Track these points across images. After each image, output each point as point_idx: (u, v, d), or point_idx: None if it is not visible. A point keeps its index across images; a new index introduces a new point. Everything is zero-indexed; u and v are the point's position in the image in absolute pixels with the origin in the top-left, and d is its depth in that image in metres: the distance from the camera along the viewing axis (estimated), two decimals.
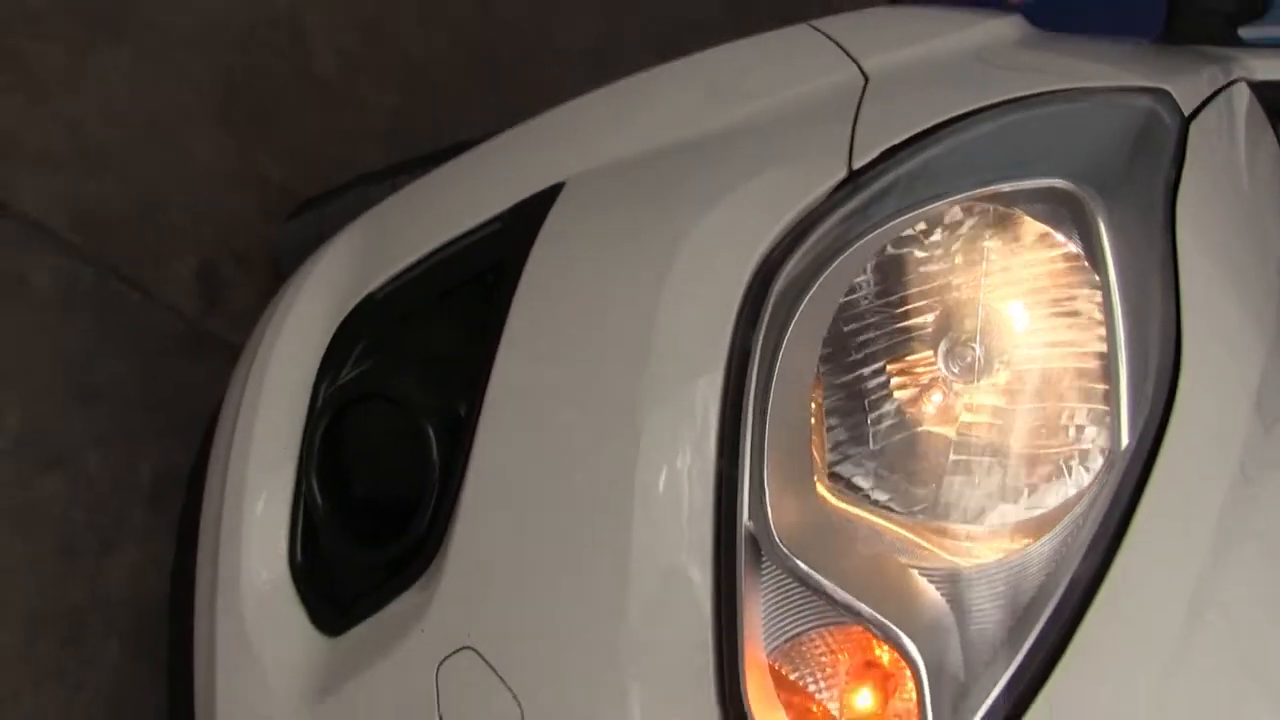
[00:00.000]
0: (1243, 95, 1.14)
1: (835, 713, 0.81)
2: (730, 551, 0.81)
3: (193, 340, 1.44)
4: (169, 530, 1.23)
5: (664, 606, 0.82)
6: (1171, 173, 0.95)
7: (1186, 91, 1.03)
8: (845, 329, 0.92)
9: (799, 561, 0.80)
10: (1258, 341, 0.92)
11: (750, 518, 0.82)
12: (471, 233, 1.03)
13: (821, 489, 0.88)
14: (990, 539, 0.85)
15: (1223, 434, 0.85)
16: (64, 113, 1.37)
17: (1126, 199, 0.91)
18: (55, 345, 1.30)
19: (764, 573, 0.82)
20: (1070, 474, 0.86)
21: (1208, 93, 1.07)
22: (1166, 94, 1.01)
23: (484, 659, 0.84)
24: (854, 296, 0.92)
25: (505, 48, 2.09)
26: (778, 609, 0.82)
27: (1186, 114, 1.01)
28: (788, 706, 0.81)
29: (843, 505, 0.88)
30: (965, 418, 0.90)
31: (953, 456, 0.90)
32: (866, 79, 1.03)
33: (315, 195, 1.34)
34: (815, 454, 0.89)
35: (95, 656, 1.29)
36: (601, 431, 0.86)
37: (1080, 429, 0.87)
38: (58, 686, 1.25)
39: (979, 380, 0.90)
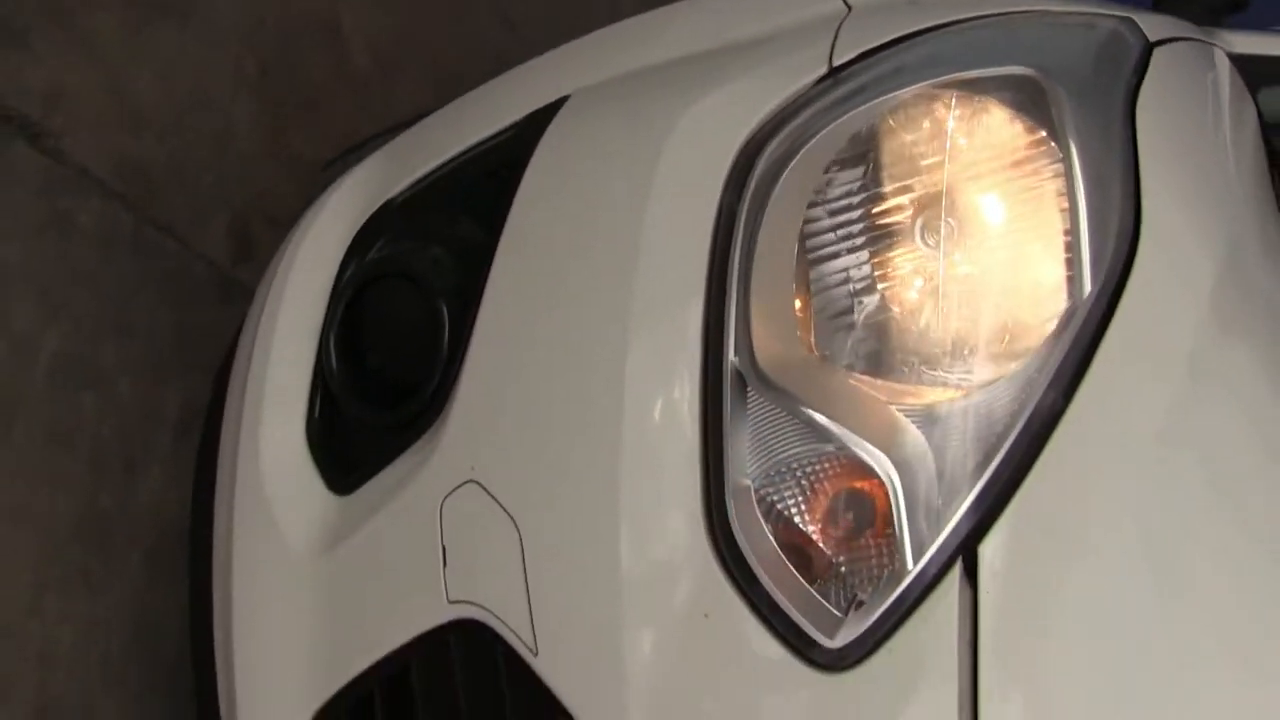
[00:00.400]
0: (1223, 58, 1.21)
1: (816, 537, 0.86)
2: (716, 384, 0.87)
3: (223, 287, 1.52)
4: (192, 459, 1.30)
5: (654, 437, 0.87)
6: (1133, 80, 1.03)
7: (1154, 26, 1.11)
8: (828, 219, 1.00)
9: (782, 387, 0.86)
10: (1213, 237, 0.98)
11: (735, 354, 0.88)
12: (485, 141, 1.12)
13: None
14: (963, 388, 0.90)
15: (1181, 291, 0.91)
16: (115, 78, 1.48)
17: (1089, 91, 0.98)
18: (95, 281, 1.38)
19: (750, 406, 0.88)
20: (1040, 330, 0.91)
21: (1177, 34, 1.15)
22: (1131, 20, 1.09)
23: (486, 490, 0.90)
24: (835, 188, 0.99)
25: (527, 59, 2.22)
26: (763, 438, 0.87)
27: (1151, 41, 1.09)
28: (772, 529, 0.86)
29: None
30: (940, 291, 0.96)
31: (931, 330, 0.96)
32: (849, 9, 1.12)
33: (350, 146, 1.44)
34: (801, 334, 0.96)
35: (119, 567, 1.35)
36: (598, 287, 0.93)
37: (1048, 291, 0.93)
38: (83, 589, 1.30)
39: (954, 254, 0.96)
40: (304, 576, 0.98)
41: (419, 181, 1.12)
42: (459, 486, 0.91)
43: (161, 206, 1.49)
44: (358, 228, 1.11)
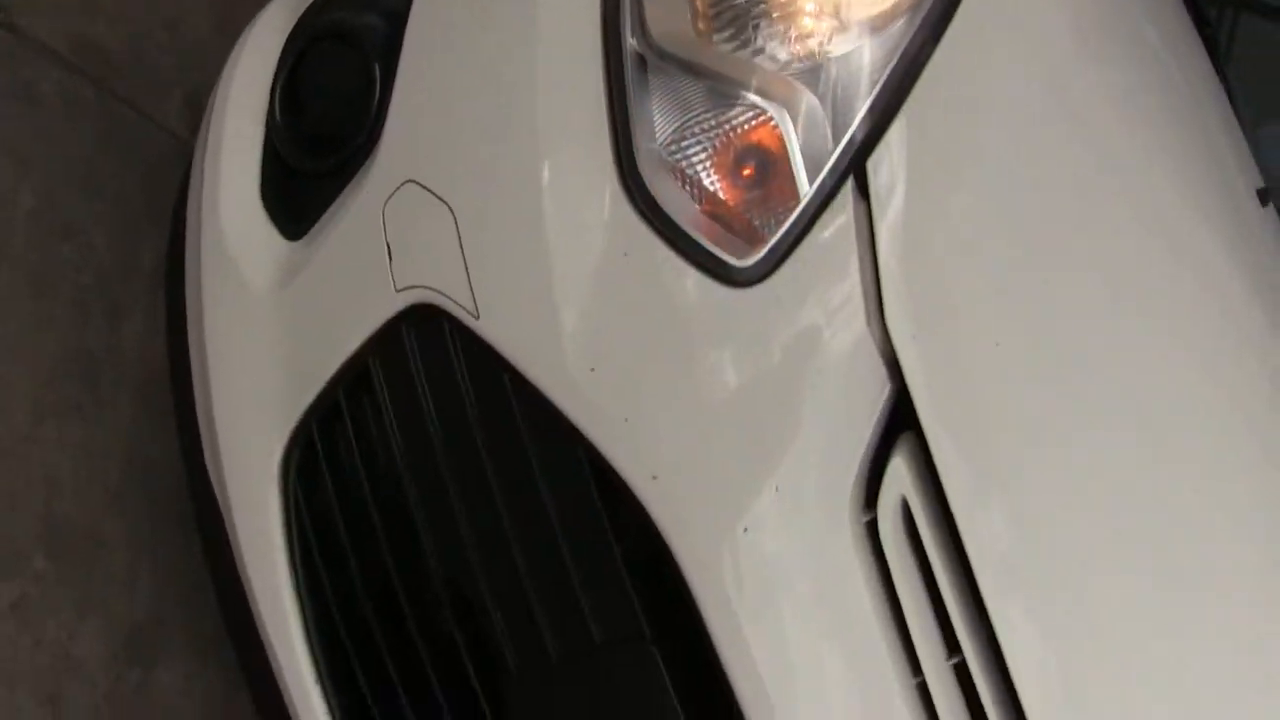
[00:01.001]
0: None
1: (722, 184, 0.95)
2: (618, 63, 0.96)
3: (183, 152, 1.60)
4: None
5: (567, 115, 0.96)
6: None
7: None
8: None
9: (678, 57, 0.95)
10: None
11: (633, 37, 0.97)
12: None
13: None
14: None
15: None
16: None
17: None
18: (62, 145, 1.47)
19: (651, 81, 0.96)
20: None
21: None
22: None
23: (422, 185, 0.98)
24: None
25: None
26: (666, 106, 0.96)
27: None
28: (681, 180, 0.94)
29: None
30: None
31: (812, 10, 1.04)
32: None
33: None
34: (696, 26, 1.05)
35: (109, 403, 1.42)
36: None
37: None
38: (77, 420, 1.38)
39: None
40: (268, 312, 1.07)
41: None
42: (398, 188, 0.99)
43: (121, 82, 1.57)
44: (295, 20, 1.20)
